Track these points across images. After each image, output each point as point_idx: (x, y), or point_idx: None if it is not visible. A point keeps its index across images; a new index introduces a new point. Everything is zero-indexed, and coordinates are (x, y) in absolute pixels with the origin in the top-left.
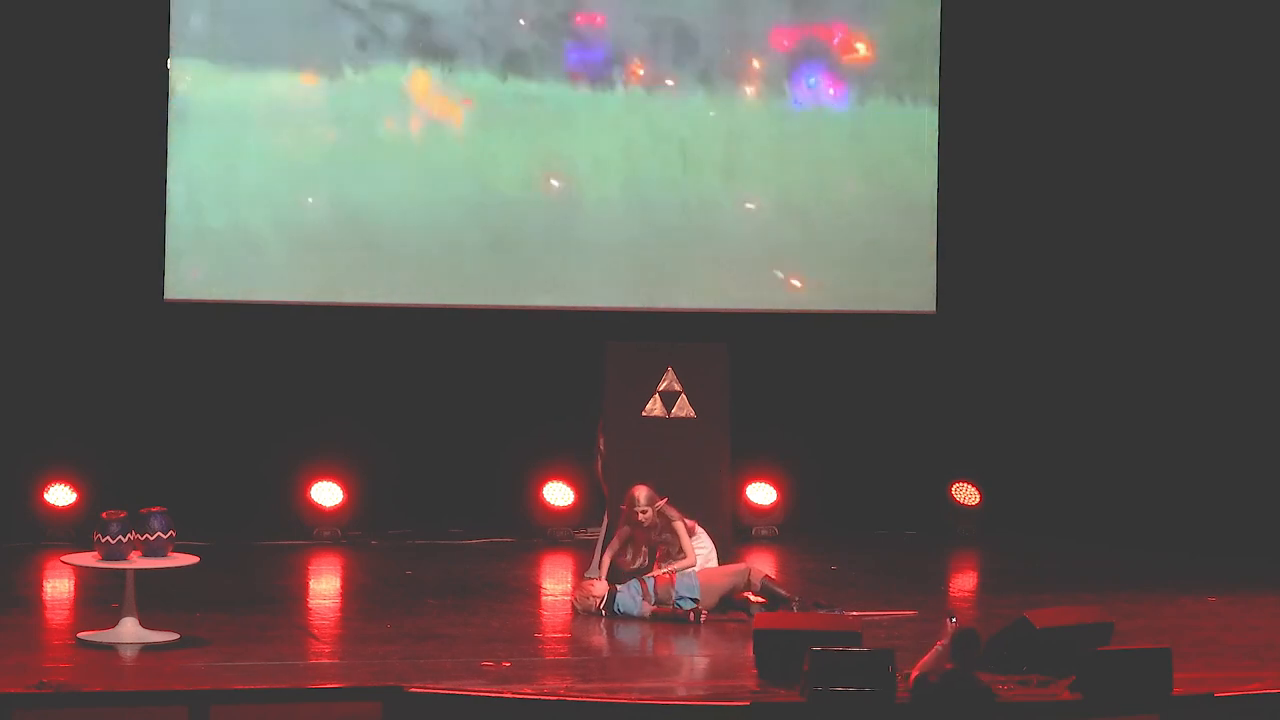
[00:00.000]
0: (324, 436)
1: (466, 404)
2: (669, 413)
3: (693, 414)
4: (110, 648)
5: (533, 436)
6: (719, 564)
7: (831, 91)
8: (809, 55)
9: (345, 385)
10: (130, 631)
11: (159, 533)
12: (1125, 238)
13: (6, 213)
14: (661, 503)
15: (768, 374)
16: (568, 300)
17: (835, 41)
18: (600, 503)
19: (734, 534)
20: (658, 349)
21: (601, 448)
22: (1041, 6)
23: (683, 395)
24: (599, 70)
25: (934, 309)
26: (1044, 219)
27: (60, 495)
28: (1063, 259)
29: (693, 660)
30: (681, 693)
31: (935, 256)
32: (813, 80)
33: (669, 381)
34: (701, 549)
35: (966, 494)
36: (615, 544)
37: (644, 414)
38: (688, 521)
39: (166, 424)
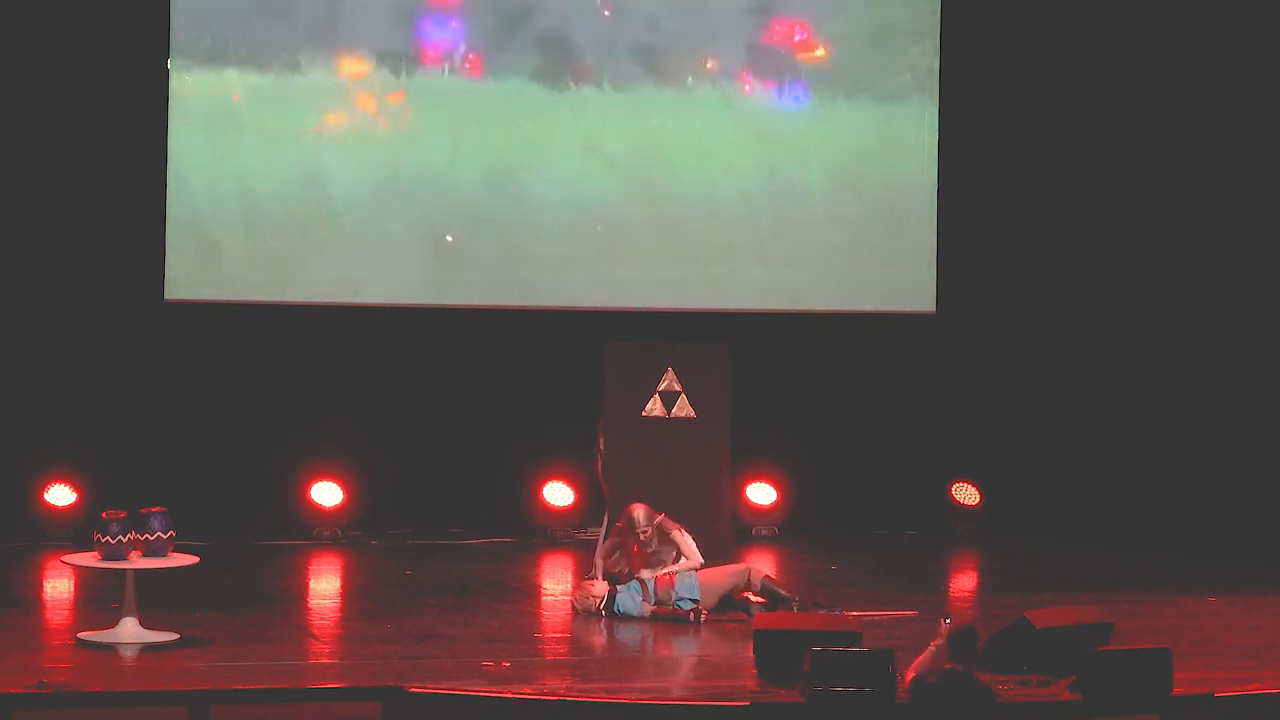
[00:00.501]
0: (324, 436)
1: (466, 404)
2: (669, 413)
3: (693, 414)
4: (110, 648)
5: (533, 436)
6: (714, 565)
7: (829, 89)
8: (799, 50)
9: (345, 385)
10: (130, 631)
11: (159, 533)
12: (1125, 238)
13: (7, 213)
14: (660, 518)
15: (768, 374)
16: (567, 300)
17: (830, 37)
18: (600, 503)
19: (734, 534)
20: (658, 349)
21: (601, 448)
22: (1042, 6)
23: (683, 395)
24: (582, 67)
25: (934, 309)
26: (1044, 219)
27: (60, 495)
28: (1063, 259)
29: (693, 660)
30: (681, 693)
31: (935, 256)
32: (768, 75)
33: (669, 381)
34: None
35: (966, 494)
36: (606, 549)
37: (644, 414)
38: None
39: (166, 424)
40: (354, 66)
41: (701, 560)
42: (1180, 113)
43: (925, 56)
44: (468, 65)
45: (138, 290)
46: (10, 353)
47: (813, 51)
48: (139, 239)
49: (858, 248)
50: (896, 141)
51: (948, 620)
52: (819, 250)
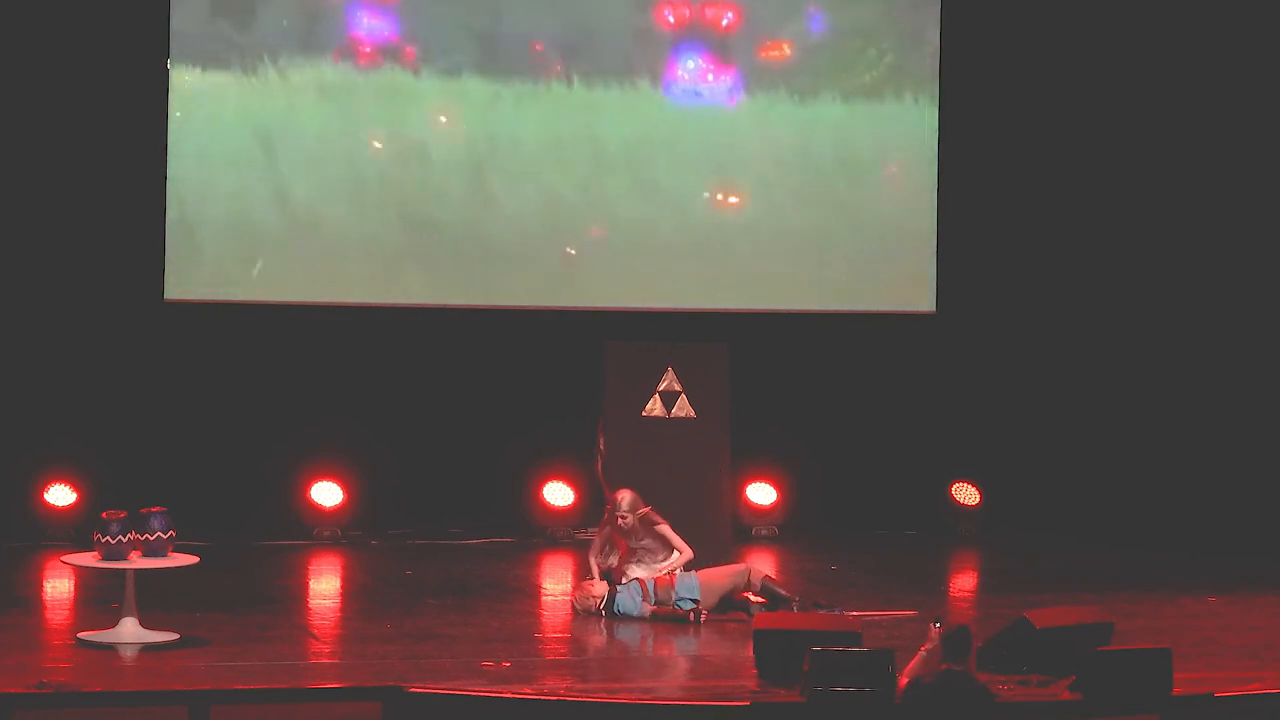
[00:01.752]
0: (324, 436)
1: (466, 404)
2: (669, 413)
3: (693, 414)
4: (110, 648)
5: (533, 436)
6: (714, 565)
7: (830, 88)
8: (794, 48)
9: (345, 385)
10: (130, 631)
11: (159, 533)
12: (1125, 238)
13: (7, 213)
14: (645, 510)
15: (768, 374)
16: (567, 300)
17: (833, 33)
18: (600, 503)
19: (734, 534)
20: (658, 349)
21: (601, 448)
22: (1042, 6)
23: (683, 395)
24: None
25: (934, 309)
26: (1044, 219)
27: (60, 495)
28: (1063, 259)
29: (693, 660)
30: (681, 693)
31: (935, 257)
32: (736, 68)
33: (669, 381)
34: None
35: (966, 494)
36: (597, 542)
37: (644, 414)
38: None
39: (166, 424)
40: (357, 66)
41: (690, 551)
42: (1180, 113)
43: (925, 56)
44: (460, 65)
45: (138, 290)
46: (10, 353)
47: (806, 50)
48: (139, 239)
49: (857, 248)
50: (896, 141)
51: (938, 624)
52: (818, 250)
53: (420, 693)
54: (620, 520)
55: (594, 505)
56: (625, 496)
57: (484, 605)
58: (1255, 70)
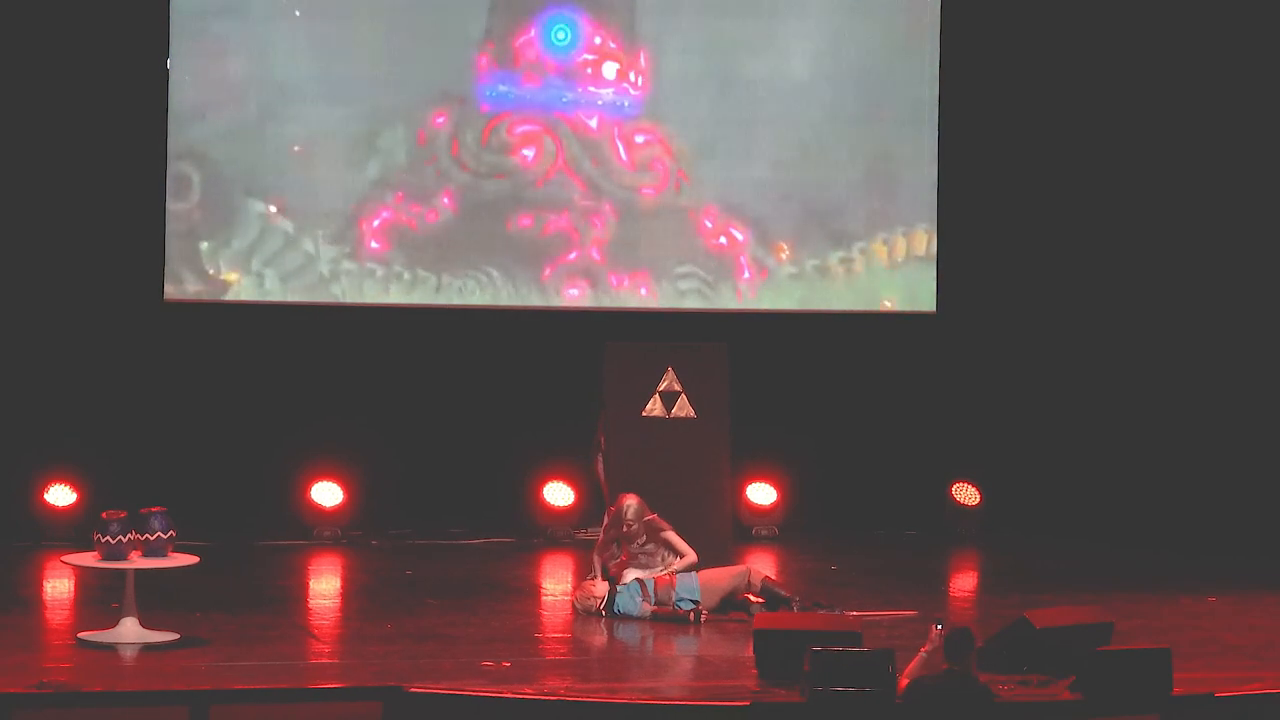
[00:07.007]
0: (324, 436)
1: (467, 404)
2: (669, 413)
3: (693, 414)
4: (110, 648)
5: (533, 437)
6: (714, 566)
7: (833, 88)
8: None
9: (345, 385)
10: (130, 631)
11: (159, 533)
12: (1125, 238)
13: (7, 213)
14: (651, 517)
15: (768, 374)
16: (567, 300)
17: (832, 35)
18: (600, 502)
19: (734, 534)
20: (658, 349)
21: (603, 444)
22: (1041, 7)
23: (683, 395)
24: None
25: (934, 309)
26: (1044, 220)
27: (60, 495)
28: (1063, 259)
29: (693, 660)
30: (681, 693)
31: (935, 257)
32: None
33: (669, 381)
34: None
35: (966, 494)
36: (602, 543)
37: (644, 414)
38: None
39: (166, 424)
40: (353, 64)
41: (695, 555)
42: (1179, 113)
43: (927, 57)
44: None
45: (138, 290)
46: (11, 353)
47: (807, 48)
48: (139, 239)
49: (858, 247)
50: (897, 140)
51: (939, 626)
52: (819, 250)
53: (420, 693)
54: (626, 528)
55: (594, 505)
56: (630, 504)
57: (484, 605)
58: (1254, 71)
